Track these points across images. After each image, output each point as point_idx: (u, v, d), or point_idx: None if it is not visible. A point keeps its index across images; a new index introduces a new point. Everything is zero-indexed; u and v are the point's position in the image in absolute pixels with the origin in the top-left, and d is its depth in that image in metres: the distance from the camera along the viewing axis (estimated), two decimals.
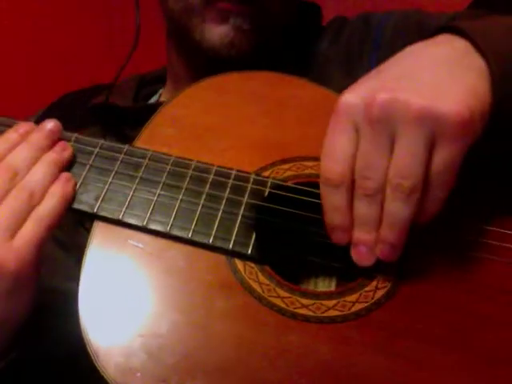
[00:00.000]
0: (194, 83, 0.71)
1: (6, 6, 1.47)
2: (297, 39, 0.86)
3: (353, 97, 0.53)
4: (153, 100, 0.94)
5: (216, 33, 0.77)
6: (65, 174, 0.62)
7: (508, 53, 0.54)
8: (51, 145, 0.63)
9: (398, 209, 0.51)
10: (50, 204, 0.60)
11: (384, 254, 0.54)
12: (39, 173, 0.61)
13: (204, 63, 0.82)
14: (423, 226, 0.53)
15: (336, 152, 0.53)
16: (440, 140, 0.50)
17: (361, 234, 0.54)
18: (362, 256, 0.55)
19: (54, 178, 0.61)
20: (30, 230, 0.58)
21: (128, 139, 0.68)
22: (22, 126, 0.64)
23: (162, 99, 0.92)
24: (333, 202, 0.54)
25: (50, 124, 0.64)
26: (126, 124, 0.84)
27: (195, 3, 0.78)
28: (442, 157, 0.50)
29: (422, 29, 0.79)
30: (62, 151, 0.63)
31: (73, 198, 0.62)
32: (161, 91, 0.95)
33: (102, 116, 0.87)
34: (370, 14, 0.86)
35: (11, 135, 0.63)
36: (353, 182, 0.53)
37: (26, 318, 0.63)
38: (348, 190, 0.53)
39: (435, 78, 0.52)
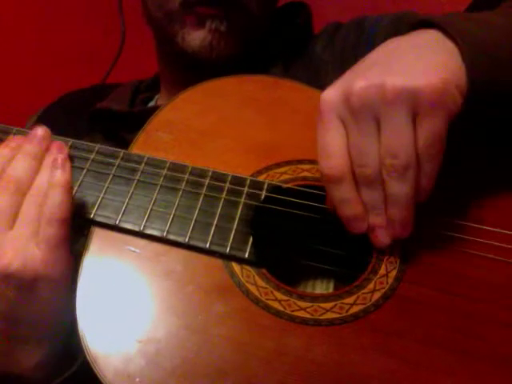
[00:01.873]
0: (189, 87, 0.71)
1: (7, 6, 1.47)
2: (288, 38, 0.87)
3: (332, 92, 0.55)
4: (150, 106, 0.94)
5: (195, 37, 0.79)
6: (56, 160, 0.61)
7: (476, 37, 0.55)
8: (46, 150, 0.63)
9: (397, 188, 0.53)
10: (53, 199, 0.59)
11: (396, 233, 0.55)
12: (45, 180, 0.61)
13: (190, 68, 0.83)
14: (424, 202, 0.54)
15: (329, 148, 0.54)
16: (420, 113, 0.51)
17: (373, 218, 0.55)
18: (379, 238, 0.56)
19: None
20: (47, 234, 0.59)
21: (126, 143, 0.68)
22: (13, 140, 0.64)
23: (159, 104, 0.93)
24: (340, 196, 0.55)
25: (39, 131, 0.63)
26: (123, 129, 0.84)
27: (174, 9, 0.80)
28: (426, 128, 0.52)
29: None
30: (59, 151, 0.63)
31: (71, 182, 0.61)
32: (157, 97, 0.95)
33: (100, 122, 0.87)
34: (364, 17, 0.87)
35: (3, 150, 0.63)
36: (353, 172, 0.54)
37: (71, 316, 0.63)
38: (350, 181, 0.54)
39: (404, 60, 0.54)
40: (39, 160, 0.62)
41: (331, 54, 0.84)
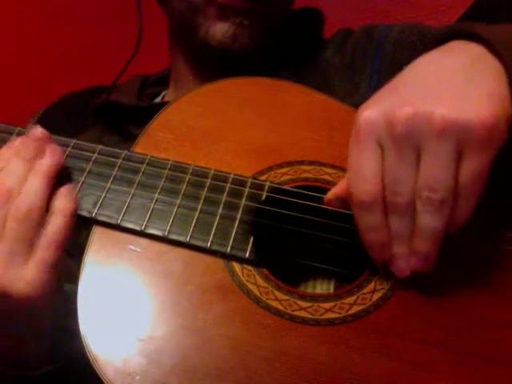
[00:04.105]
0: (190, 90, 0.72)
1: (8, 5, 1.47)
2: (299, 43, 0.87)
3: (373, 114, 0.52)
4: (157, 101, 0.95)
5: (218, 29, 0.80)
6: (65, 189, 0.61)
7: None
8: (41, 153, 0.61)
9: (429, 221, 0.51)
10: (55, 225, 0.59)
11: (418, 266, 0.54)
12: (34, 187, 0.59)
13: (210, 61, 0.83)
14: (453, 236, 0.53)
15: (363, 171, 0.52)
16: (467, 149, 0.49)
17: (397, 248, 0.54)
18: (400, 268, 0.55)
19: (50, 187, 0.60)
20: (40, 257, 0.57)
21: (131, 137, 0.68)
22: (18, 140, 0.62)
23: (166, 100, 0.93)
24: (368, 222, 0.53)
25: (38, 132, 0.62)
26: (130, 122, 0.85)
27: (197, 1, 0.80)
28: (471, 166, 0.50)
29: (423, 39, 0.80)
30: (53, 156, 0.61)
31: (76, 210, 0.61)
32: (164, 93, 0.96)
33: (106, 114, 0.87)
34: (374, 25, 0.87)
35: (6, 151, 0.62)
36: (384, 198, 0.52)
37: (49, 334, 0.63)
38: (381, 208, 0.52)
39: (454, 86, 0.51)
40: (32, 164, 0.60)
41: (341, 58, 0.84)
